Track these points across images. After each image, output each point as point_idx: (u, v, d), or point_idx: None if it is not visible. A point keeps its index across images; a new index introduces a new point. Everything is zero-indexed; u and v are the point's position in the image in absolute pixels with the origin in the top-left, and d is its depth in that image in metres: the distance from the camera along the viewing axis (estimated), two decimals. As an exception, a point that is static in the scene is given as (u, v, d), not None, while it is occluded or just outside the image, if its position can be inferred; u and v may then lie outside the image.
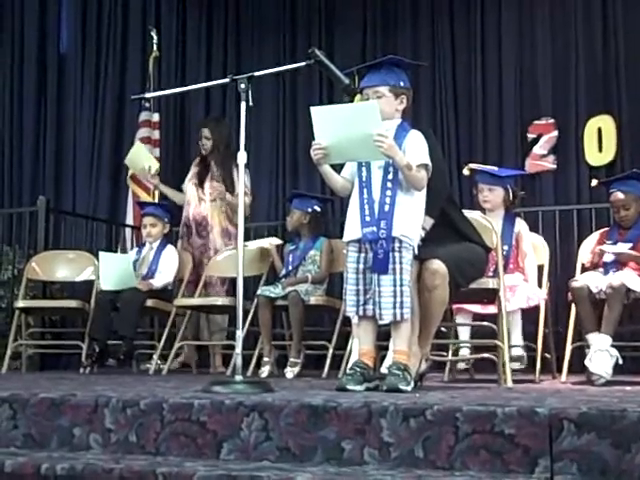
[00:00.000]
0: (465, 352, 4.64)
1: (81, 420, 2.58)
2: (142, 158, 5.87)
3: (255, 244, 5.26)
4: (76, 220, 6.75)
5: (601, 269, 4.25)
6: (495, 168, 4.97)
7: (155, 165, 5.85)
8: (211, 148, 5.61)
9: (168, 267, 5.24)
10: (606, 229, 4.59)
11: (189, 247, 5.56)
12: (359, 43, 6.86)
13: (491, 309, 4.25)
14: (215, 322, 5.56)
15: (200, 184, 5.61)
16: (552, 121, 6.19)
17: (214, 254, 5.50)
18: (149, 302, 5.06)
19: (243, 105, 3.17)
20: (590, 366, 3.91)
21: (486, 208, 4.64)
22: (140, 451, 2.49)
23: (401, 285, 3.12)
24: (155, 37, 7.06)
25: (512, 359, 4.09)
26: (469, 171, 4.86)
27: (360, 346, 3.27)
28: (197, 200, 5.60)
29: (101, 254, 5.22)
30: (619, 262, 4.22)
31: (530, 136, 6.23)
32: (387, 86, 3.32)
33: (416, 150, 3.25)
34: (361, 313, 3.20)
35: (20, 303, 5.36)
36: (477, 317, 4.54)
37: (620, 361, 3.96)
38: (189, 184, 5.69)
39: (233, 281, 5.54)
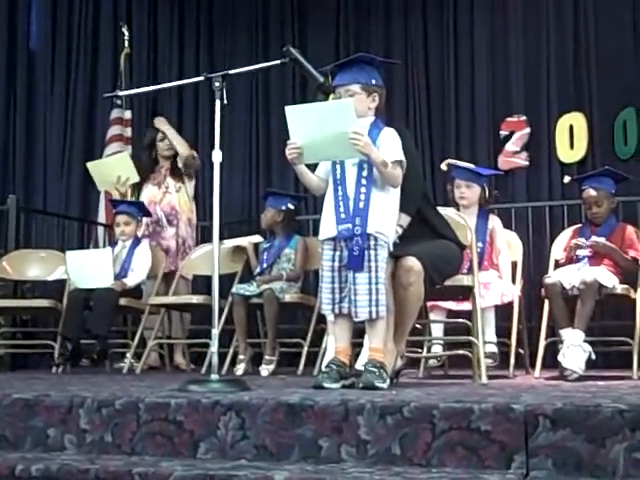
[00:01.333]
0: (438, 349, 4.66)
1: (55, 421, 2.56)
2: (124, 169, 5.56)
3: (233, 242, 5.23)
4: (47, 219, 6.68)
5: (574, 264, 4.29)
6: (472, 165, 4.99)
7: (135, 179, 5.61)
8: (172, 148, 5.77)
9: (141, 265, 5.19)
10: (578, 226, 4.64)
11: (162, 241, 5.55)
12: (332, 42, 6.87)
13: (465, 306, 4.28)
14: (177, 319, 5.56)
15: (159, 184, 5.69)
16: (524, 118, 6.24)
17: (182, 243, 5.62)
18: (122, 300, 5.01)
19: (218, 103, 3.15)
20: (563, 361, 3.95)
21: (462, 205, 4.66)
22: (116, 451, 2.47)
23: (376, 283, 3.12)
24: (126, 33, 7.01)
25: (485, 356, 4.11)
26: (447, 166, 4.87)
27: (336, 344, 3.27)
28: (162, 195, 5.66)
29: (68, 254, 5.15)
30: (592, 257, 4.27)
31: (503, 133, 6.28)
32: (358, 84, 3.32)
33: (390, 147, 3.26)
34: (337, 311, 3.20)
35: (-9, 303, 5.31)
36: (451, 314, 4.56)
37: (593, 356, 4.00)
38: (148, 187, 5.69)
39: (198, 276, 5.58)
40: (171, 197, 5.67)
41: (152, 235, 5.58)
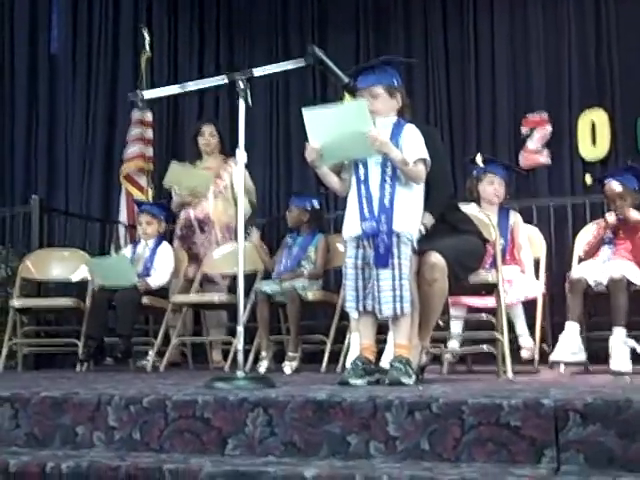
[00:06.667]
0: (454, 344, 4.61)
1: (84, 418, 2.57)
2: (203, 185, 5.52)
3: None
4: (69, 219, 6.72)
5: (597, 257, 4.25)
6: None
7: (204, 196, 5.54)
8: (217, 145, 5.70)
9: (164, 266, 5.20)
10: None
11: (193, 246, 5.54)
12: (352, 42, 6.85)
13: (488, 301, 4.25)
14: (212, 317, 5.55)
15: None
16: (546, 115, 6.20)
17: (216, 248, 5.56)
18: (145, 299, 5.03)
19: (242, 105, 3.14)
20: (611, 363, 3.91)
21: (493, 202, 4.63)
22: (144, 448, 2.47)
23: (400, 279, 3.12)
24: (147, 36, 7.03)
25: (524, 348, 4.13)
26: (482, 162, 4.81)
27: (361, 341, 3.27)
28: (198, 200, 5.58)
29: (87, 261, 5.19)
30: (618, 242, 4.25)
31: (524, 130, 6.24)
32: (381, 85, 3.35)
33: (412, 145, 3.27)
34: (361, 308, 3.21)
35: (16, 302, 5.33)
36: (472, 309, 4.53)
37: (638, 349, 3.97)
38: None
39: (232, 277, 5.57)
40: (206, 204, 5.58)
41: (184, 239, 5.56)
